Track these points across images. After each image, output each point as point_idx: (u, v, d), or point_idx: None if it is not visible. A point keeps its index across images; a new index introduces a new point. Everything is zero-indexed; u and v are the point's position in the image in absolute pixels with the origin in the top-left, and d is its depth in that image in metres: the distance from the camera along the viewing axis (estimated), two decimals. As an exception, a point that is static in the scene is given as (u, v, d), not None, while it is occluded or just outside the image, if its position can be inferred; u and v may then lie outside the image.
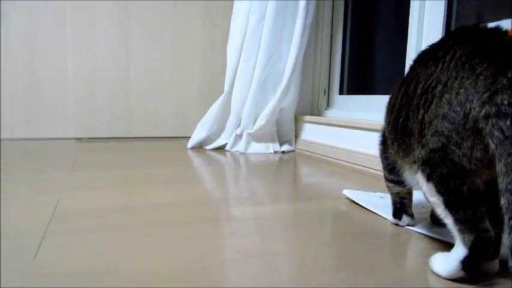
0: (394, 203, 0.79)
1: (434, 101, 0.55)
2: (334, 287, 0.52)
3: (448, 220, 0.55)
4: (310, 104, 2.09)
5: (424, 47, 1.35)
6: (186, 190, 1.06)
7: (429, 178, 0.56)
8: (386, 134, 0.74)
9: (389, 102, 0.72)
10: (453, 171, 0.53)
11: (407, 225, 0.78)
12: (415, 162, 0.60)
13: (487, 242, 0.52)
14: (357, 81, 1.97)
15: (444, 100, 0.53)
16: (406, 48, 1.43)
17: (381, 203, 0.93)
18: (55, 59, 2.03)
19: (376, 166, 1.36)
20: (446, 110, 0.53)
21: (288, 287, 0.52)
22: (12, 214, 0.78)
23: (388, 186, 0.80)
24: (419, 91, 0.59)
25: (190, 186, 1.11)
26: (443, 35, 1.32)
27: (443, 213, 0.56)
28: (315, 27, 1.99)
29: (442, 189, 0.54)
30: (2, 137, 1.97)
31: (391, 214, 0.80)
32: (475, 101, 0.49)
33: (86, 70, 2.09)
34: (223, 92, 1.89)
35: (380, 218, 0.84)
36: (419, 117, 0.58)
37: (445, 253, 0.57)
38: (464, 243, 0.53)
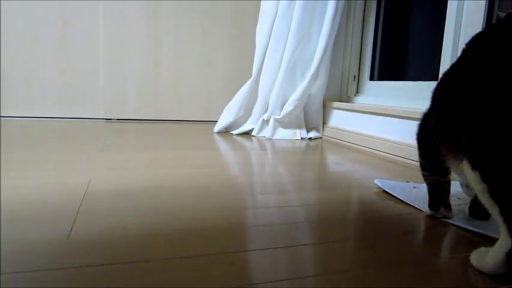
0: (431, 194, 0.76)
1: (486, 85, 0.52)
2: (364, 282, 0.50)
3: (494, 210, 0.52)
4: (339, 90, 2.04)
5: (463, 31, 1.30)
6: (212, 174, 1.05)
7: (475, 165, 0.53)
8: (432, 121, 0.70)
9: (437, 88, 0.68)
10: (501, 157, 0.49)
11: (444, 218, 0.74)
12: (460, 149, 0.57)
13: None
14: (389, 67, 1.90)
15: (497, 84, 0.50)
16: (443, 32, 1.36)
17: (414, 193, 0.90)
18: (87, 44, 2.06)
19: (408, 155, 1.32)
20: (498, 94, 0.49)
21: (313, 281, 0.51)
22: (47, 192, 0.79)
23: (424, 176, 0.77)
24: (471, 76, 0.55)
25: (216, 171, 1.10)
26: (485, 18, 1.25)
27: (488, 202, 0.52)
28: (346, 10, 1.93)
29: (487, 176, 0.51)
30: (35, 115, 2.03)
31: (427, 205, 0.77)
32: None
33: (116, 53, 2.11)
34: (251, 75, 1.87)
35: (414, 209, 0.81)
36: (468, 102, 0.55)
37: (488, 248, 0.54)
38: (511, 233, 0.50)
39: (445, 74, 0.67)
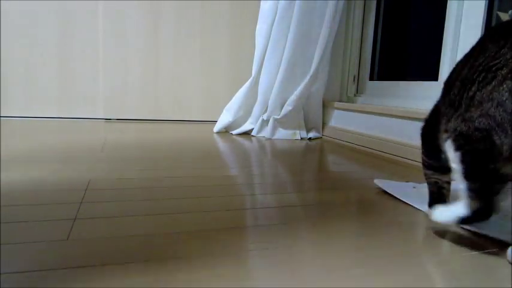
0: (431, 193, 0.76)
1: (493, 83, 0.52)
2: (364, 282, 0.50)
3: (463, 185, 0.57)
4: (339, 90, 2.04)
5: (463, 31, 1.30)
6: (212, 174, 1.05)
7: (459, 148, 0.57)
8: (442, 109, 0.69)
9: (451, 76, 0.68)
10: (488, 151, 0.53)
11: (444, 217, 0.75)
12: (446, 131, 0.60)
13: (490, 211, 0.55)
14: (389, 67, 1.90)
15: (505, 86, 0.50)
16: (443, 32, 1.36)
17: (414, 193, 0.90)
18: (87, 45, 2.06)
19: (408, 155, 1.32)
20: (504, 98, 0.50)
21: (313, 281, 0.51)
22: (47, 192, 0.79)
23: (425, 174, 0.76)
24: (481, 67, 0.56)
25: (216, 171, 1.10)
26: (485, 18, 1.25)
27: (459, 179, 0.58)
28: (346, 10, 1.93)
29: (468, 160, 0.56)
30: (35, 115, 2.03)
31: (427, 205, 0.76)
32: None
33: (116, 53, 2.11)
34: (250, 75, 1.87)
35: (413, 209, 0.81)
36: (471, 93, 0.55)
37: (447, 206, 0.63)
38: (469, 207, 0.56)
39: (460, 61, 0.66)
